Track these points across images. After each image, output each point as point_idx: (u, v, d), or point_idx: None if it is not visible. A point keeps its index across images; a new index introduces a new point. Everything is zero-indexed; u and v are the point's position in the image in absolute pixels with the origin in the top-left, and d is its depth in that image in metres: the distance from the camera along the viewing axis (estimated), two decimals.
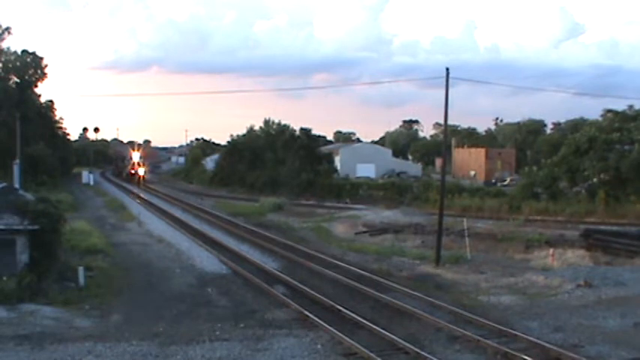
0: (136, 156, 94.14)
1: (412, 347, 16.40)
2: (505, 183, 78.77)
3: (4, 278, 21.23)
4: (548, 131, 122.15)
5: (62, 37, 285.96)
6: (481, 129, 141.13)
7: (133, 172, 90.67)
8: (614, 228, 37.86)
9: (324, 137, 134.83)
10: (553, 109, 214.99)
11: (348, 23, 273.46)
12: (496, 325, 18.55)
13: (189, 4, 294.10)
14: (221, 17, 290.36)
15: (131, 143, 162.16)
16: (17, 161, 36.75)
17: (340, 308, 20.64)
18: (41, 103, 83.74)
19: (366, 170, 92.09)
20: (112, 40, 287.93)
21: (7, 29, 77.62)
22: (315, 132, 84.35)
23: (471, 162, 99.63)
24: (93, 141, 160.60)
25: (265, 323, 19.42)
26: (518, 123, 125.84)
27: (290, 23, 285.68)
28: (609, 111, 68.57)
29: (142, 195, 68.52)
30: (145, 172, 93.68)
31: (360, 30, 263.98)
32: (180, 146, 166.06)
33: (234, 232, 40.16)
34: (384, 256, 31.99)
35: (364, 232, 41.89)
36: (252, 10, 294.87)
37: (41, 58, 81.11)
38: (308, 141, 76.91)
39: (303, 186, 70.55)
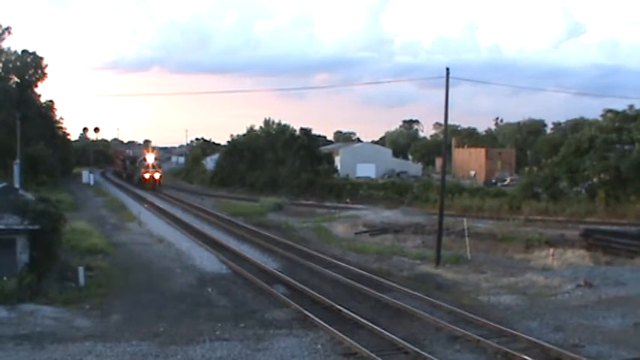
0: (150, 157, 79.54)
1: (412, 347, 16.42)
2: (505, 183, 78.80)
3: (4, 278, 21.23)
4: (549, 131, 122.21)
5: (63, 37, 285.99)
6: (481, 129, 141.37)
7: (147, 176, 77.35)
8: (614, 228, 37.89)
9: (324, 137, 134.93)
10: (554, 109, 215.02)
11: (349, 23, 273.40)
12: (496, 325, 18.57)
13: (191, 4, 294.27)
14: (222, 17, 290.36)
15: (132, 143, 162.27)
16: (17, 161, 36.77)
17: (340, 308, 20.66)
18: (41, 103, 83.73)
19: (366, 170, 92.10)
20: (113, 40, 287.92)
21: (8, 29, 77.76)
22: (315, 132, 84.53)
23: (471, 162, 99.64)
24: (93, 141, 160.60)
25: (265, 323, 19.45)
26: (519, 123, 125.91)
27: (291, 23, 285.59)
28: (609, 111, 68.57)
29: (143, 196, 66.37)
30: (161, 176, 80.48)
31: (361, 30, 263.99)
32: (181, 146, 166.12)
33: (234, 232, 40.17)
34: (384, 256, 32.00)
35: (364, 232, 41.89)
36: (253, 10, 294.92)
37: (41, 58, 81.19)
38: (308, 141, 76.91)
39: (303, 186, 70.56)
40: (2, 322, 18.85)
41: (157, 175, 78.28)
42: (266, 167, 78.77)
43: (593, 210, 46.84)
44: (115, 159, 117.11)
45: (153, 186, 75.33)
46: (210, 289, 24.46)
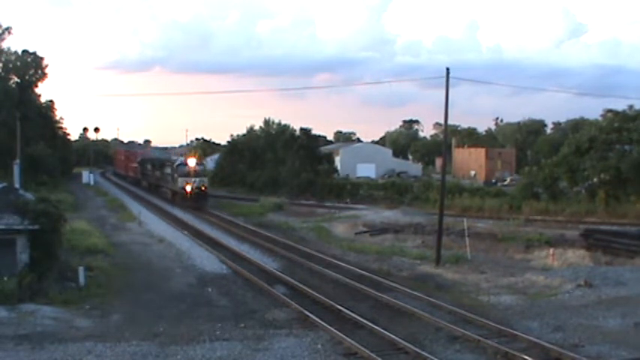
0: (192, 162, 57.66)
1: (412, 347, 16.42)
2: (505, 183, 78.82)
3: (4, 278, 21.24)
4: (549, 131, 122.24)
5: (65, 37, 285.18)
6: (481, 129, 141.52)
7: (189, 188, 54.48)
8: (614, 228, 37.88)
9: (325, 137, 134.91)
10: (554, 109, 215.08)
11: (350, 23, 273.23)
12: (496, 325, 18.58)
13: (193, 4, 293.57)
14: (224, 17, 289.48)
15: (131, 143, 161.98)
16: (17, 161, 36.69)
17: (340, 308, 20.68)
18: (41, 103, 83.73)
19: (366, 170, 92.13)
20: (115, 40, 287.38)
21: (8, 29, 77.73)
22: (315, 132, 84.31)
23: (471, 162, 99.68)
24: (93, 141, 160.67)
25: (265, 323, 19.46)
26: (519, 123, 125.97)
27: (293, 23, 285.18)
28: (609, 111, 68.62)
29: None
30: (206, 187, 56.74)
31: (362, 30, 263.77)
32: (180, 146, 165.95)
33: (234, 232, 40.19)
34: (384, 256, 32.02)
35: (364, 232, 41.91)
36: (254, 10, 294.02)
37: (42, 58, 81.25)
38: (308, 141, 76.86)
39: (303, 186, 70.55)
40: (2, 322, 18.85)
41: (202, 188, 55.61)
42: (266, 167, 78.72)
43: (593, 210, 46.82)
44: (123, 161, 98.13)
45: (197, 202, 53.84)
46: (210, 289, 24.48)
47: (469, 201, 54.65)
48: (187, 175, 55.41)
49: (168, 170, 61.82)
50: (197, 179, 55.29)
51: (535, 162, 72.22)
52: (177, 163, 60.31)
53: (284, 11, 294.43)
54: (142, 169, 78.06)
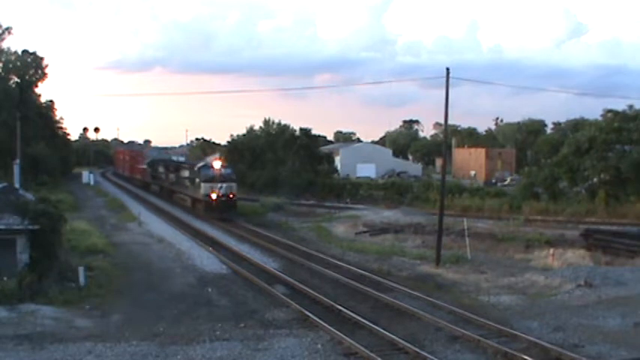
0: (218, 164, 49.72)
1: (412, 347, 16.44)
2: (505, 183, 78.80)
3: (4, 278, 21.26)
4: (549, 131, 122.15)
5: (66, 37, 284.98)
6: (482, 129, 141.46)
7: (215, 196, 46.70)
8: (614, 228, 37.92)
9: (325, 137, 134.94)
10: (555, 109, 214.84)
11: (351, 23, 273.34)
12: (496, 325, 18.58)
13: (193, 4, 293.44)
14: (225, 17, 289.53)
15: (131, 143, 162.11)
16: (17, 161, 36.72)
17: (340, 308, 20.68)
18: (41, 103, 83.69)
19: (366, 170, 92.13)
20: (116, 40, 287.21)
21: (8, 29, 77.54)
22: (315, 132, 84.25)
23: (471, 162, 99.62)
24: (93, 141, 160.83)
25: (265, 323, 19.47)
26: (519, 123, 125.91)
27: (294, 23, 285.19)
28: (609, 111, 68.52)
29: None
30: (235, 194, 49.06)
31: (363, 30, 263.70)
32: (181, 146, 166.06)
33: (234, 232, 40.18)
34: (384, 256, 32.02)
35: (364, 232, 41.92)
36: (255, 10, 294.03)
37: (42, 58, 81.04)
38: (308, 141, 76.88)
39: (304, 186, 70.52)
40: (2, 322, 18.86)
41: (230, 196, 48.05)
42: (266, 167, 78.68)
43: (593, 210, 46.85)
44: (127, 162, 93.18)
45: (224, 212, 46.63)
46: (210, 289, 24.47)
47: (469, 201, 54.68)
48: (213, 179, 47.38)
49: (186, 174, 54.08)
50: (224, 185, 47.32)
51: (535, 162, 72.25)
52: (199, 165, 52.83)
53: (285, 11, 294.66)
54: (152, 171, 70.83)
